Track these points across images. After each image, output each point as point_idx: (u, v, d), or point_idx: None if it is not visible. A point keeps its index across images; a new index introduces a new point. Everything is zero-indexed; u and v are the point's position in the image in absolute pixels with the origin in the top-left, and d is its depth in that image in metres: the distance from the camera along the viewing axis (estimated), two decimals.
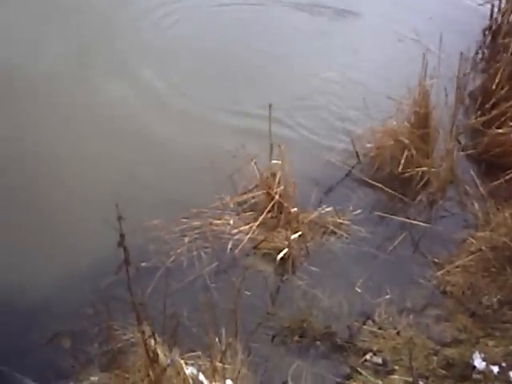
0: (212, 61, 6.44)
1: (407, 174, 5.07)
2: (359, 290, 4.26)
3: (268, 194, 4.65)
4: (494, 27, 6.81)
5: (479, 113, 5.63)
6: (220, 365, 3.44)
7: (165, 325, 3.37)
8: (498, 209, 4.75)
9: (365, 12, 7.33)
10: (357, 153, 5.28)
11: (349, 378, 3.77)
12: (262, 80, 6.21)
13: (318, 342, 3.95)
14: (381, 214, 4.85)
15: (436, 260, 4.48)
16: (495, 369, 3.66)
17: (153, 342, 3.32)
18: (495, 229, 4.54)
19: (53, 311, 3.96)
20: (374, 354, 3.85)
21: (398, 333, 3.97)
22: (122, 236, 3.08)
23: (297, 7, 7.41)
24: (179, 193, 4.88)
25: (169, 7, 7.24)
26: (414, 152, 5.07)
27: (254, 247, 4.51)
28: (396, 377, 3.73)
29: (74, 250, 4.44)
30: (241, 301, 3.62)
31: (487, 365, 3.67)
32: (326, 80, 6.21)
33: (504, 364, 3.71)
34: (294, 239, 4.46)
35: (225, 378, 3.42)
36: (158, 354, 3.34)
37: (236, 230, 4.56)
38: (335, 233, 4.65)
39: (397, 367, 3.77)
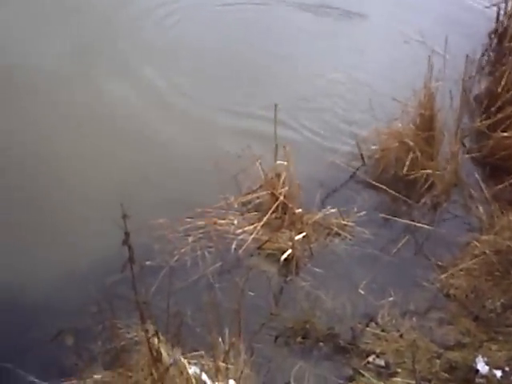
0: (215, 61, 6.44)
1: (412, 177, 5.07)
2: (362, 292, 4.26)
3: (272, 194, 4.65)
4: (500, 30, 6.82)
5: (484, 116, 5.62)
6: (223, 365, 3.43)
7: (168, 324, 3.37)
8: (502, 212, 4.75)
9: (370, 13, 7.33)
10: (361, 154, 5.28)
11: (351, 379, 3.77)
12: (265, 80, 6.21)
13: (321, 344, 3.96)
14: (385, 215, 4.85)
15: (439, 263, 4.48)
16: (498, 373, 3.65)
17: (156, 340, 3.32)
18: (499, 232, 4.53)
19: (57, 309, 3.97)
20: (377, 356, 3.85)
21: (401, 335, 3.97)
22: (127, 234, 3.08)
23: (301, 7, 7.40)
24: (183, 192, 4.89)
25: (171, 7, 7.23)
26: (418, 154, 5.07)
27: (258, 247, 4.51)
28: (399, 379, 3.72)
29: (77, 248, 4.44)
30: (244, 301, 3.61)
31: (490, 369, 3.67)
32: (331, 81, 6.23)
33: (507, 368, 3.71)
34: (298, 240, 4.46)
35: (228, 378, 3.42)
36: (161, 353, 3.34)
37: (240, 230, 4.57)
38: (339, 234, 4.65)
39: (399, 370, 3.77)
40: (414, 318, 4.08)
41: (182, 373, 3.39)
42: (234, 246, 4.48)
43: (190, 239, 4.49)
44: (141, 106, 5.80)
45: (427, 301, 4.24)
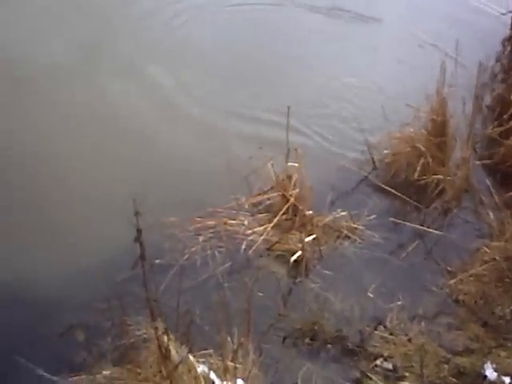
0: (223, 61, 6.44)
1: (423, 182, 5.08)
2: (371, 295, 4.26)
3: (283, 196, 4.66)
4: None
5: (496, 123, 5.61)
6: (231, 364, 3.45)
7: (178, 322, 3.39)
8: None
9: (383, 16, 7.33)
10: (373, 158, 5.28)
11: (358, 382, 3.77)
12: (274, 82, 6.21)
13: (329, 346, 3.96)
14: (395, 220, 4.85)
15: (449, 268, 4.48)
16: (507, 380, 3.64)
17: (165, 338, 3.34)
18: (510, 239, 4.52)
19: (67, 305, 3.98)
20: (385, 360, 3.85)
21: (409, 339, 3.96)
22: (139, 231, 3.11)
23: (312, 9, 7.38)
24: (194, 192, 4.90)
25: (179, 6, 7.23)
26: (430, 160, 5.07)
27: (268, 248, 4.52)
28: (406, 383, 3.72)
29: (88, 245, 4.46)
30: (253, 301, 3.62)
31: (499, 375, 3.66)
32: (343, 84, 6.23)
33: None
34: (307, 242, 4.47)
35: (236, 378, 3.43)
36: (170, 351, 3.36)
37: (250, 231, 4.58)
38: (349, 237, 4.66)
39: (407, 374, 3.77)
40: (422, 323, 4.08)
41: (190, 371, 3.41)
42: (243, 247, 4.49)
43: (201, 239, 4.50)
44: (148, 107, 5.82)
45: (436, 306, 4.23)
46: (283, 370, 3.78)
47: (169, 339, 3.35)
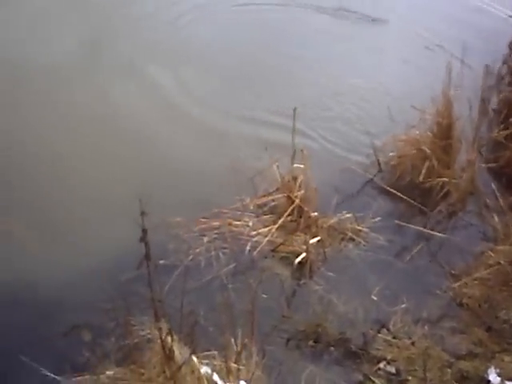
0: (228, 62, 6.44)
1: (428, 184, 5.07)
2: (375, 298, 4.26)
3: (288, 197, 4.67)
4: None
5: (502, 126, 5.60)
6: (235, 365, 3.46)
7: (182, 323, 3.39)
8: None
9: (390, 17, 7.32)
10: (378, 161, 5.28)
11: None
12: (279, 83, 6.22)
13: (332, 348, 3.96)
14: (400, 222, 4.84)
15: (453, 271, 4.47)
16: None
17: (169, 339, 3.35)
18: None
19: (71, 304, 3.99)
20: (388, 363, 3.85)
21: (412, 343, 3.96)
22: (145, 231, 3.12)
23: (319, 10, 7.39)
24: (199, 193, 4.91)
25: (184, 6, 7.25)
26: (435, 162, 5.07)
27: (273, 250, 4.52)
28: None
29: (93, 245, 4.47)
30: (257, 303, 3.63)
31: (502, 380, 3.66)
32: (348, 86, 6.23)
33: None
34: (312, 244, 4.47)
35: (239, 379, 3.44)
36: (173, 352, 3.37)
37: (255, 232, 4.58)
38: (353, 239, 4.66)
39: (410, 377, 3.77)
40: (426, 326, 4.07)
41: (193, 372, 3.41)
42: (248, 248, 4.50)
43: (205, 239, 4.51)
44: (151, 108, 5.83)
45: (440, 309, 4.23)
46: (286, 372, 3.78)
47: (173, 340, 3.36)
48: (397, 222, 4.85)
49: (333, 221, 4.68)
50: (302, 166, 4.60)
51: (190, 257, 4.38)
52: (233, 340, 3.52)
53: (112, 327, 3.75)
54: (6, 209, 4.72)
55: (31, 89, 5.85)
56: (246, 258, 4.46)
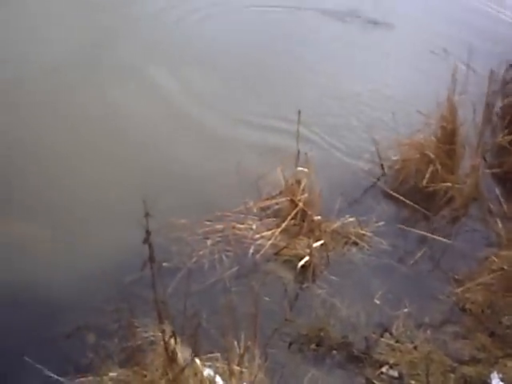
0: (233, 63, 6.46)
1: (431, 189, 5.08)
2: (378, 302, 4.26)
3: (292, 201, 4.67)
4: None
5: (507, 131, 5.61)
6: (237, 368, 3.45)
7: (184, 325, 3.40)
8: None
9: (397, 22, 7.34)
10: (382, 165, 5.29)
11: None
12: (285, 87, 6.24)
13: (335, 352, 3.96)
14: (403, 227, 4.84)
15: (456, 276, 4.47)
16: None
17: (173, 341, 3.35)
18: None
19: (75, 306, 3.99)
20: (391, 367, 3.85)
21: (415, 347, 3.96)
22: (148, 233, 3.13)
23: (328, 14, 7.41)
24: (203, 196, 4.92)
25: (195, 6, 7.29)
26: (439, 167, 5.08)
27: (276, 253, 4.53)
28: None
29: (96, 246, 4.48)
30: (260, 306, 3.62)
31: None
32: (354, 90, 6.24)
33: None
34: (315, 247, 4.47)
35: (241, 382, 3.44)
36: (176, 354, 3.37)
37: (258, 236, 4.59)
38: (357, 243, 4.66)
39: (413, 382, 3.77)
40: (428, 331, 4.07)
41: (196, 374, 3.42)
42: (251, 251, 4.50)
43: (209, 242, 4.52)
44: (154, 111, 5.84)
45: (443, 314, 4.23)
46: (289, 375, 3.78)
47: (176, 342, 3.36)
48: (400, 226, 4.85)
49: (336, 225, 4.69)
50: (305, 169, 4.61)
51: (194, 259, 4.38)
52: (236, 343, 3.52)
53: (115, 329, 3.75)
54: (5, 209, 4.74)
55: (31, 89, 5.86)
56: (249, 261, 4.47)
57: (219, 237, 4.57)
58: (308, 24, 7.24)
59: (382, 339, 4.02)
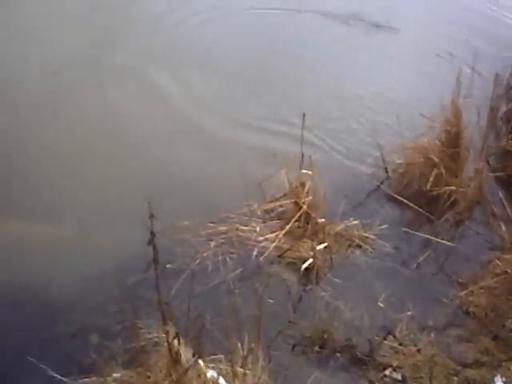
0: (239, 67, 6.48)
1: (435, 192, 5.08)
2: (381, 305, 4.26)
3: (296, 203, 4.67)
4: None
5: (510, 135, 5.61)
6: (241, 370, 3.46)
7: (188, 326, 3.40)
8: None
9: (402, 25, 7.34)
10: (386, 168, 5.29)
11: None
12: (288, 90, 6.25)
13: (338, 354, 3.96)
14: (407, 230, 4.85)
15: (460, 280, 4.47)
16: None
17: (176, 342, 3.36)
18: None
19: (79, 307, 4.01)
20: (394, 370, 3.85)
21: (418, 350, 3.96)
22: (153, 234, 3.13)
23: (332, 17, 7.41)
24: (207, 197, 4.93)
25: (196, 8, 7.31)
26: (443, 170, 5.08)
27: (279, 256, 4.53)
28: None
29: (100, 247, 4.49)
30: (263, 308, 3.62)
31: None
32: (358, 93, 6.25)
33: None
34: (319, 250, 4.48)
35: (245, 383, 3.44)
36: (180, 355, 3.38)
37: (262, 238, 4.59)
38: (360, 246, 4.66)
39: None
40: (432, 334, 4.07)
41: (199, 376, 3.42)
42: (255, 253, 4.51)
43: (212, 244, 4.52)
44: (157, 114, 5.85)
45: (446, 317, 4.22)
46: (292, 377, 3.78)
47: (179, 343, 3.37)
48: (404, 229, 4.85)
49: (340, 227, 4.69)
50: (309, 172, 4.61)
51: (197, 261, 4.39)
52: (239, 344, 3.52)
53: (119, 330, 3.75)
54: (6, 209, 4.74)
55: (31, 89, 5.87)
56: (252, 263, 4.47)
57: (223, 239, 4.58)
58: (309, 27, 7.25)
59: (386, 342, 4.02)
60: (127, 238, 4.37)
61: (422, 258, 4.64)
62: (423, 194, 5.10)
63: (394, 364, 3.88)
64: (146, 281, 3.61)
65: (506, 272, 4.40)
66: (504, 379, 3.69)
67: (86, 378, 3.55)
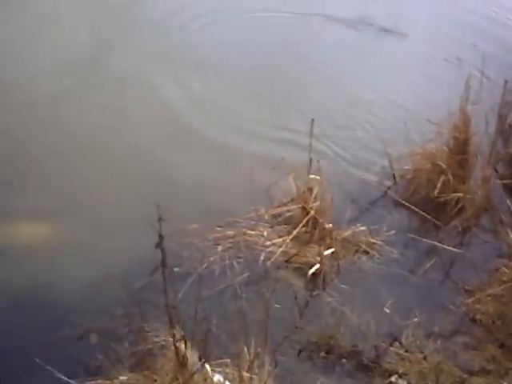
0: (246, 72, 6.48)
1: (442, 199, 5.06)
2: (388, 311, 4.25)
3: (303, 208, 4.68)
4: None
5: None
6: (247, 374, 3.46)
7: (195, 330, 3.41)
8: None
9: (410, 30, 7.34)
10: (393, 174, 5.29)
11: None
12: (296, 95, 6.24)
13: (344, 360, 3.96)
14: (414, 236, 4.84)
15: (466, 287, 4.46)
16: None
17: (183, 346, 3.37)
18: None
19: (86, 309, 4.02)
20: (400, 377, 3.85)
21: (424, 357, 3.95)
22: (161, 237, 3.15)
23: (339, 21, 7.42)
24: (214, 202, 4.93)
25: (200, 11, 7.32)
26: (450, 177, 5.07)
27: (286, 261, 4.53)
28: None
29: (106, 251, 4.49)
30: (270, 313, 3.63)
31: None
32: (366, 98, 6.24)
33: None
34: (326, 255, 4.48)
35: None
36: (187, 359, 3.39)
37: (269, 242, 4.60)
38: (367, 252, 4.66)
39: None
40: (438, 341, 4.06)
41: (206, 380, 3.43)
42: (262, 258, 4.52)
43: (220, 248, 4.53)
44: (163, 120, 5.85)
45: (452, 324, 4.22)
46: (298, 382, 3.78)
47: (186, 347, 3.38)
48: (411, 235, 4.85)
49: (347, 233, 4.70)
50: (317, 177, 4.62)
51: (204, 265, 4.40)
52: (245, 349, 3.52)
53: (126, 333, 3.77)
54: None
55: (31, 89, 5.88)
56: (259, 268, 4.48)
57: (230, 243, 4.58)
58: (315, 30, 7.25)
59: (392, 348, 4.02)
60: (134, 241, 4.38)
61: (428, 265, 4.64)
62: (430, 200, 5.10)
63: (400, 371, 3.87)
64: (152, 284, 3.61)
65: None
66: None
67: (92, 380, 3.57)
